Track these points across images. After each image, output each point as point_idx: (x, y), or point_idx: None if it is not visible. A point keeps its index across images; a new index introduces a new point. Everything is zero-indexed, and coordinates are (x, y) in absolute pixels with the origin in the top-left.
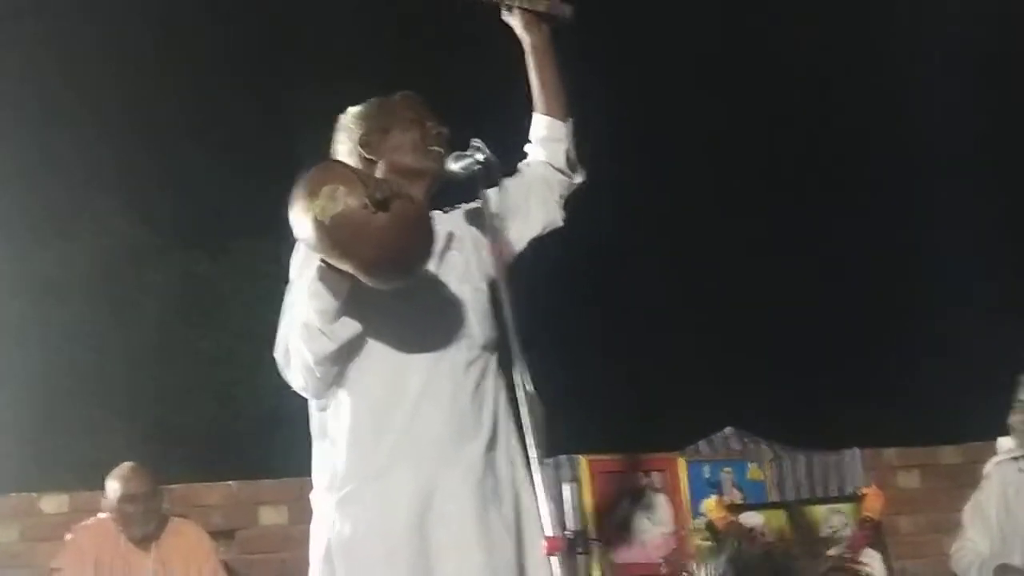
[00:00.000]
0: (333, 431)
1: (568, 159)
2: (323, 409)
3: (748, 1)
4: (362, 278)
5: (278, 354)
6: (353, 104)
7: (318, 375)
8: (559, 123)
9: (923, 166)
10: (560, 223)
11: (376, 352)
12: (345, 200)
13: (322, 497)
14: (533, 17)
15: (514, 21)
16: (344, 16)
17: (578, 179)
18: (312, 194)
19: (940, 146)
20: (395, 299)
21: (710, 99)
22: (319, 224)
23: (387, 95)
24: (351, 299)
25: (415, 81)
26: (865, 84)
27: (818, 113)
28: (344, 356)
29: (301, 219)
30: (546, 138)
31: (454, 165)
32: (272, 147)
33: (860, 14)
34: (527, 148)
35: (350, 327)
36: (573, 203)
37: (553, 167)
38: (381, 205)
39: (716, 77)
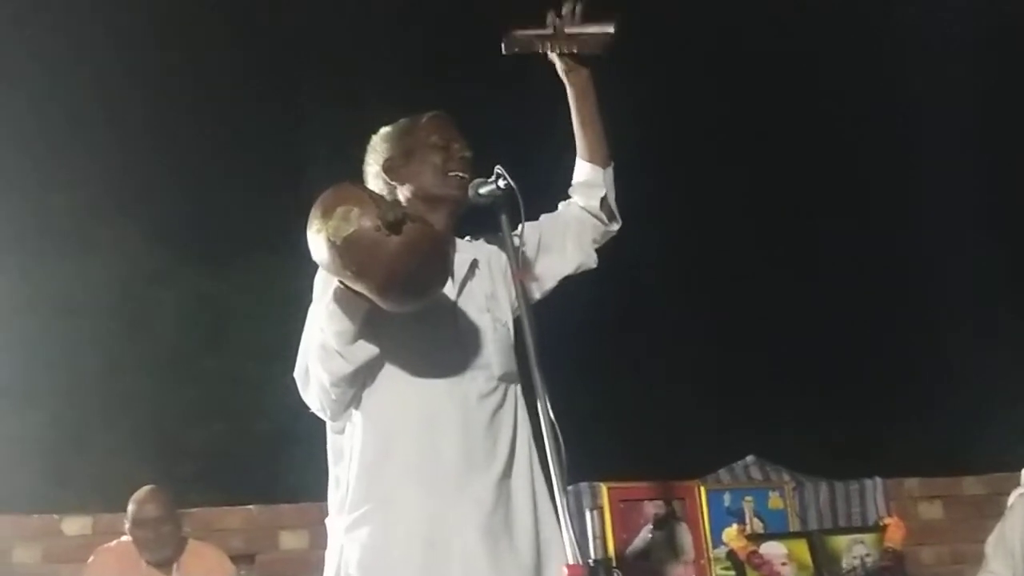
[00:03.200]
0: (347, 455)
1: (604, 206)
2: (339, 432)
3: (767, 29)
4: (375, 300)
5: (297, 374)
6: (365, 124)
7: (334, 397)
8: (598, 169)
9: (942, 192)
10: (593, 265)
11: (390, 377)
12: (358, 221)
13: (334, 522)
14: (572, 60)
15: (556, 63)
16: (365, 37)
17: (614, 227)
18: (326, 214)
19: (957, 169)
20: (412, 325)
21: (740, 129)
22: (332, 244)
23: (416, 114)
24: (369, 322)
25: (437, 104)
26: (894, 117)
27: (841, 140)
28: (360, 379)
29: (315, 239)
30: (584, 183)
31: (475, 191)
32: (286, 166)
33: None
34: (570, 191)
35: (367, 350)
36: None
37: (589, 212)
38: (393, 228)
39: (740, 103)
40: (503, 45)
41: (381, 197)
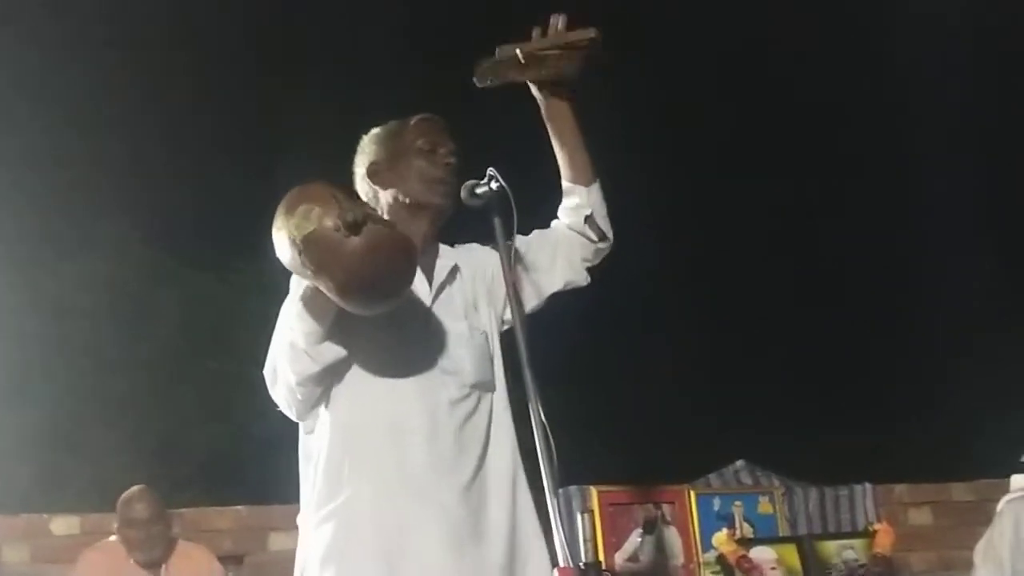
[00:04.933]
0: (315, 454)
1: (592, 225)
2: (310, 432)
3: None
4: (336, 300)
5: (267, 372)
6: (368, 127)
7: (300, 396)
8: (582, 188)
9: (935, 192)
10: (583, 283)
11: (358, 378)
12: (319, 221)
13: (302, 520)
14: (545, 85)
15: (532, 88)
16: (368, 43)
17: (604, 245)
18: (289, 212)
19: (956, 172)
20: (384, 327)
21: (728, 121)
22: (292, 242)
23: (407, 117)
24: (339, 323)
25: (440, 108)
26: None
27: (841, 143)
28: (327, 379)
29: (277, 236)
30: (569, 203)
31: (468, 192)
32: (284, 170)
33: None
34: (558, 211)
35: (334, 351)
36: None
37: (575, 231)
38: (352, 228)
39: (738, 110)
40: (475, 78)
41: (346, 197)
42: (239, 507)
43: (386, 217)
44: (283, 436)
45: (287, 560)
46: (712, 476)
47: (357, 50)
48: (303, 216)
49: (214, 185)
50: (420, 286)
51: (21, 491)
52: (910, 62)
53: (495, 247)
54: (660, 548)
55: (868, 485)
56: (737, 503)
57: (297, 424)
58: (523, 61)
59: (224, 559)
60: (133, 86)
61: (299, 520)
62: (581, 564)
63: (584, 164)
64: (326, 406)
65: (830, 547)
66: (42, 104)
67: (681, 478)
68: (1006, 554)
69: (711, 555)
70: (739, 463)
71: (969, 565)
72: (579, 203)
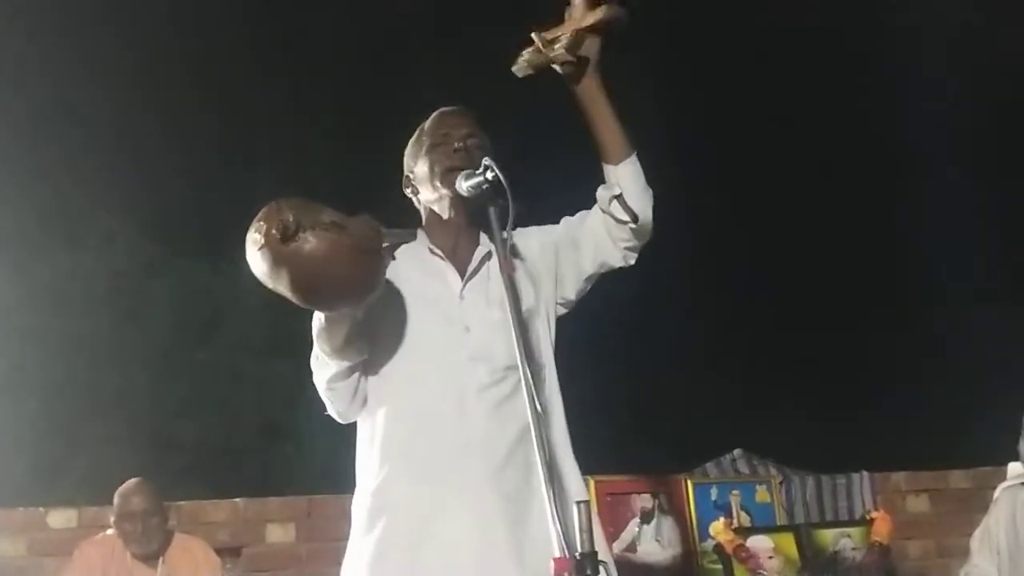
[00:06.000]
0: (361, 446)
1: (621, 205)
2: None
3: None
4: (300, 304)
5: (314, 378)
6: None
7: (334, 399)
8: (611, 167)
9: (934, 181)
10: (617, 265)
11: (388, 369)
12: (265, 234)
13: (353, 506)
14: (573, 64)
15: (559, 70)
16: (371, 37)
17: (637, 225)
18: (250, 228)
19: (957, 166)
20: (411, 319)
21: (742, 129)
22: (252, 254)
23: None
24: (364, 320)
25: (436, 106)
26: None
27: (840, 137)
28: (354, 375)
29: (247, 254)
30: (604, 183)
31: (464, 183)
32: (282, 158)
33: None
34: None
35: (354, 352)
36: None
37: (603, 211)
38: (284, 237)
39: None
40: (515, 69)
41: (290, 207)
42: (236, 500)
43: (424, 222)
44: (281, 429)
45: (284, 552)
46: (709, 465)
47: (357, 50)
48: (255, 231)
49: (209, 176)
50: (451, 276)
51: (17, 484)
52: (907, 59)
53: (546, 227)
54: (657, 537)
55: (865, 473)
56: (734, 492)
57: (299, 417)
58: (542, 47)
59: (221, 551)
60: (129, 78)
61: (352, 506)
62: (577, 554)
63: (613, 141)
64: (365, 399)
65: (827, 535)
66: (37, 96)
67: (678, 468)
68: (1003, 541)
69: (709, 544)
70: (736, 452)
71: (966, 552)
72: (609, 182)
